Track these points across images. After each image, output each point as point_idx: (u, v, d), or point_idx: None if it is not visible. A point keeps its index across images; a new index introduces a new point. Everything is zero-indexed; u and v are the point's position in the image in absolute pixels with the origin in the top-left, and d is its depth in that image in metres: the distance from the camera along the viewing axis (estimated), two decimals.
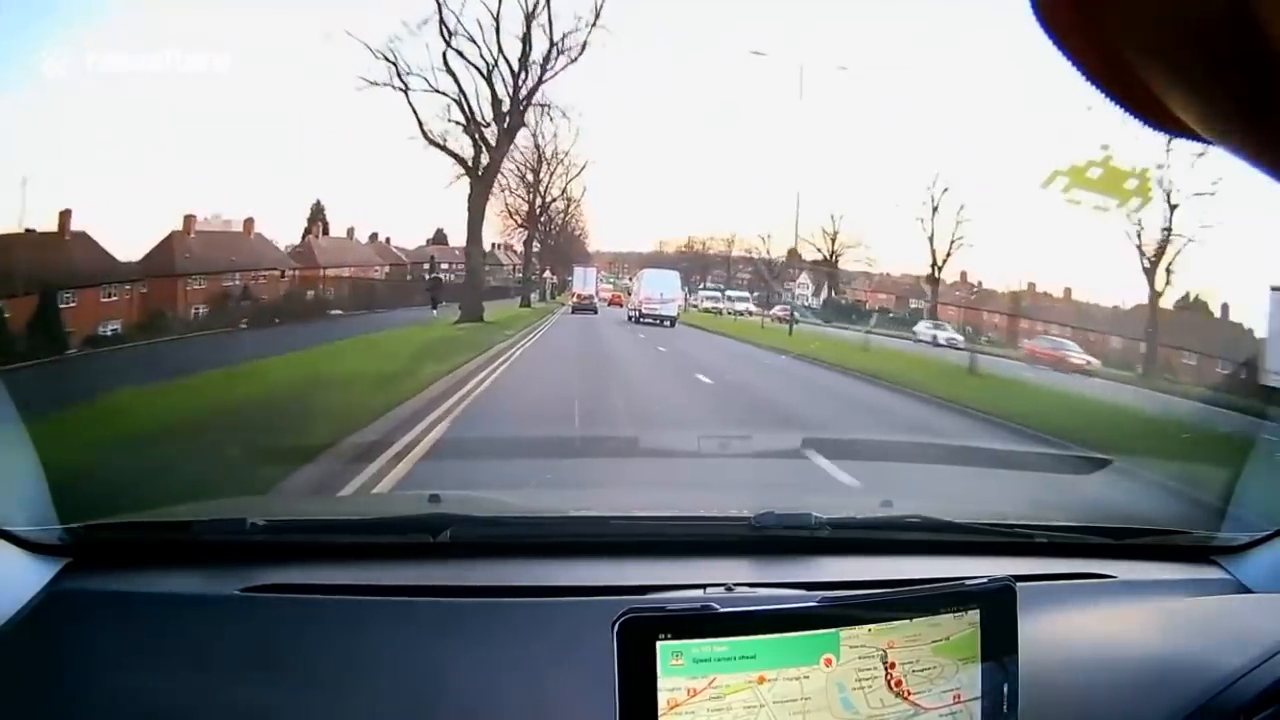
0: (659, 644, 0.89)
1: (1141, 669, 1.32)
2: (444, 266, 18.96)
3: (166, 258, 13.29)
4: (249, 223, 15.15)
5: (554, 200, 20.31)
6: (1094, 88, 0.38)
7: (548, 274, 21.62)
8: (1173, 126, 0.38)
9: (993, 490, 3.80)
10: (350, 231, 17.76)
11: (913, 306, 19.70)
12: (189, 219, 13.54)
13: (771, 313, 19.28)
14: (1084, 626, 1.45)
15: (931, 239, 17.29)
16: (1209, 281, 15.59)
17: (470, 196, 15.36)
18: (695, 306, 21.14)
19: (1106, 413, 9.49)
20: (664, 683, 0.89)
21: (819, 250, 19.43)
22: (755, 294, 21.60)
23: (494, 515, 1.71)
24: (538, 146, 18.60)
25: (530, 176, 19.25)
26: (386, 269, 18.75)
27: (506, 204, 19.20)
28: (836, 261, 19.86)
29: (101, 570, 1.40)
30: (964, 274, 18.75)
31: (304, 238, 16.50)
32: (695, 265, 22.03)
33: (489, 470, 3.99)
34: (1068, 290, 17.55)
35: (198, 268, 13.52)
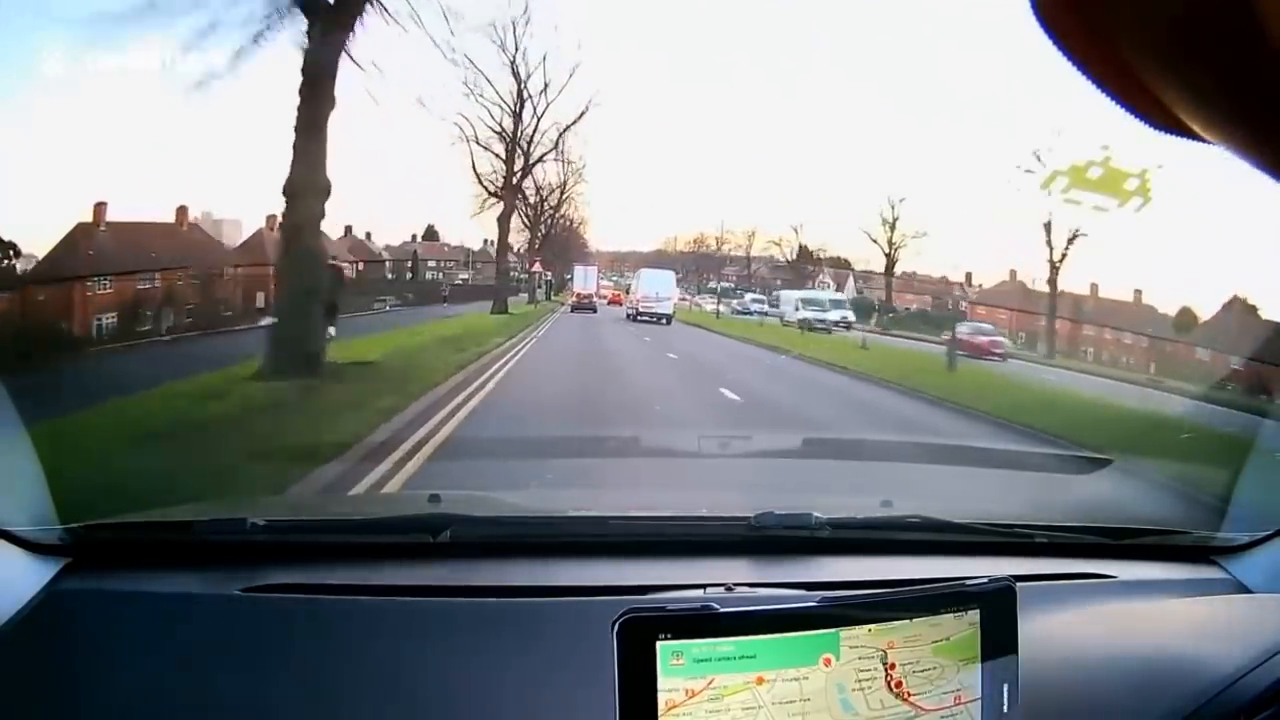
0: (659, 644, 0.89)
1: (1141, 669, 1.32)
2: (430, 264, 16.95)
3: (71, 257, 10.80)
4: (181, 211, 11.90)
5: (543, 158, 14.94)
6: (1094, 88, 0.38)
7: (537, 267, 17.71)
8: (1173, 126, 0.38)
9: (993, 490, 3.79)
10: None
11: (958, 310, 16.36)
12: (99, 208, 10.58)
13: (958, 333, 12.55)
14: (1084, 626, 1.45)
15: (1048, 228, 12.38)
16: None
17: (305, 68, 7.33)
18: (745, 312, 17.24)
19: None
20: (664, 683, 0.89)
21: (875, 241, 15.80)
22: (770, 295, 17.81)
23: (494, 515, 1.71)
24: (515, 73, 13.19)
25: (507, 121, 13.74)
26: (360, 266, 16.13)
27: (474, 164, 14.00)
28: (895, 257, 16.01)
29: (101, 570, 1.40)
30: (1013, 271, 15.10)
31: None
32: (710, 264, 19.23)
33: (489, 470, 3.98)
34: (1138, 294, 13.29)
35: (107, 268, 10.81)
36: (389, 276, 16.85)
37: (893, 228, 15.64)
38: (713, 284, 19.53)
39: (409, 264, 16.85)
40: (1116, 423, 7.98)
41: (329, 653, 1.27)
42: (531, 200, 17.20)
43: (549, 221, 18.47)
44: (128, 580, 1.38)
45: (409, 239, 17.02)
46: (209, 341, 11.30)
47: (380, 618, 1.34)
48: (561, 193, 17.72)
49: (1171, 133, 0.38)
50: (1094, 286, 13.83)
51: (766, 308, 17.45)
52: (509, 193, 14.81)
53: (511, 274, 18.18)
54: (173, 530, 1.57)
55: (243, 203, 14.05)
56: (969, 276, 16.40)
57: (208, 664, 1.23)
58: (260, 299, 13.43)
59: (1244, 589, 1.69)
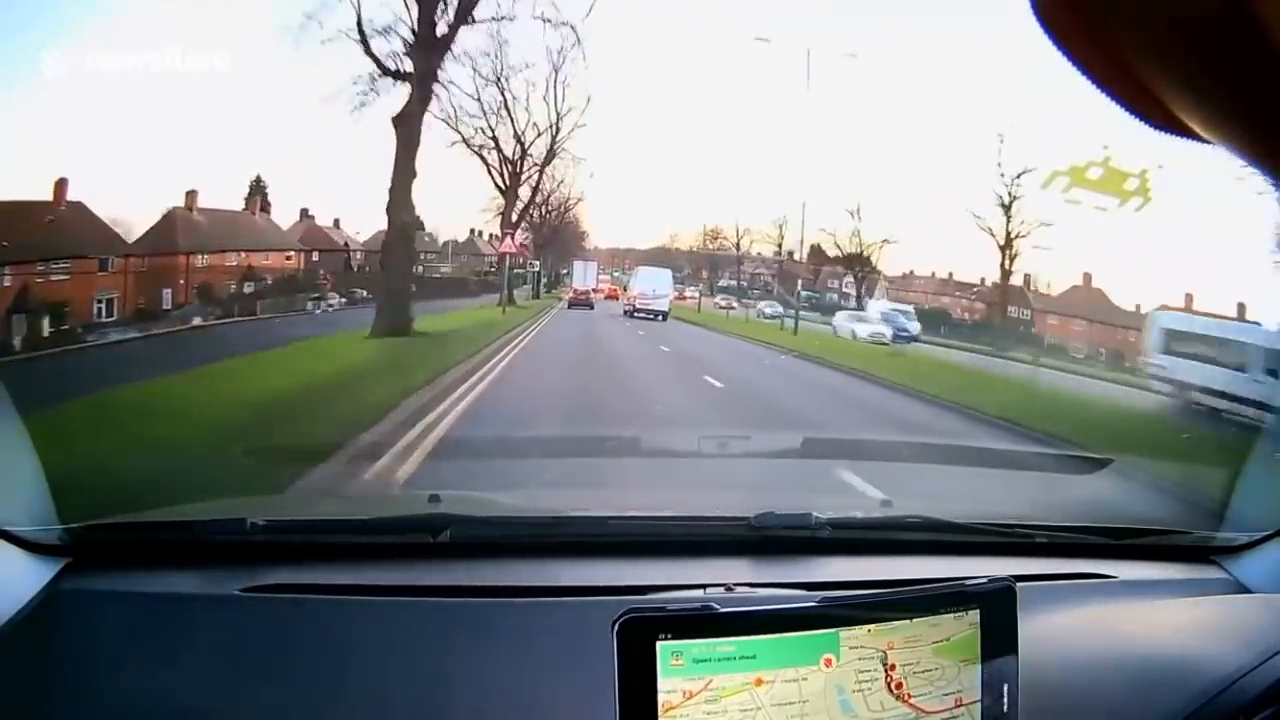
0: (659, 644, 0.89)
1: (1141, 669, 1.32)
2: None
3: None
4: (60, 185, 9.00)
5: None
6: (1095, 88, 0.38)
7: (509, 246, 13.51)
8: (1173, 126, 0.38)
9: (993, 490, 3.79)
10: (257, 205, 12.11)
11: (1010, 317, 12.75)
12: None
13: None
14: (1084, 626, 1.45)
15: None
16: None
17: None
18: (903, 334, 12.35)
19: None
20: (663, 683, 0.89)
21: (989, 232, 11.92)
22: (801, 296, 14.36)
23: (494, 515, 1.71)
24: None
25: None
26: (315, 256, 13.12)
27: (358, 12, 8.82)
28: (1013, 248, 11.70)
29: (101, 570, 1.40)
30: (1088, 276, 12.11)
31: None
32: (724, 260, 16.72)
33: (489, 470, 3.98)
34: (1241, 307, 10.07)
35: None
36: (359, 269, 14.15)
37: (1007, 211, 11.13)
38: (726, 281, 16.83)
39: (379, 255, 13.74)
40: None
41: (329, 653, 1.27)
42: (509, 153, 12.34)
43: (535, 186, 13.41)
44: (128, 580, 1.38)
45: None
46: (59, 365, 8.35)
47: (380, 618, 1.34)
48: (554, 138, 12.43)
49: (1171, 133, 0.38)
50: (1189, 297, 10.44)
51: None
52: (421, 55, 8.26)
53: (494, 268, 13.89)
54: (173, 530, 1.57)
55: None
56: (1028, 279, 12.84)
57: (208, 664, 1.23)
58: (167, 298, 10.63)
59: (1244, 589, 1.69)
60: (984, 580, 1.04)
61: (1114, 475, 4.28)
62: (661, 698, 0.89)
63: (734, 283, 17.05)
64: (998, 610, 1.03)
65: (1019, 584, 1.04)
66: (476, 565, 1.51)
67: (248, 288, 11.96)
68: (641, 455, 4.02)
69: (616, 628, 0.88)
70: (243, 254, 12.03)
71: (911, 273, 14.51)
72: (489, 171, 12.21)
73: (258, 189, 12.28)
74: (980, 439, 6.90)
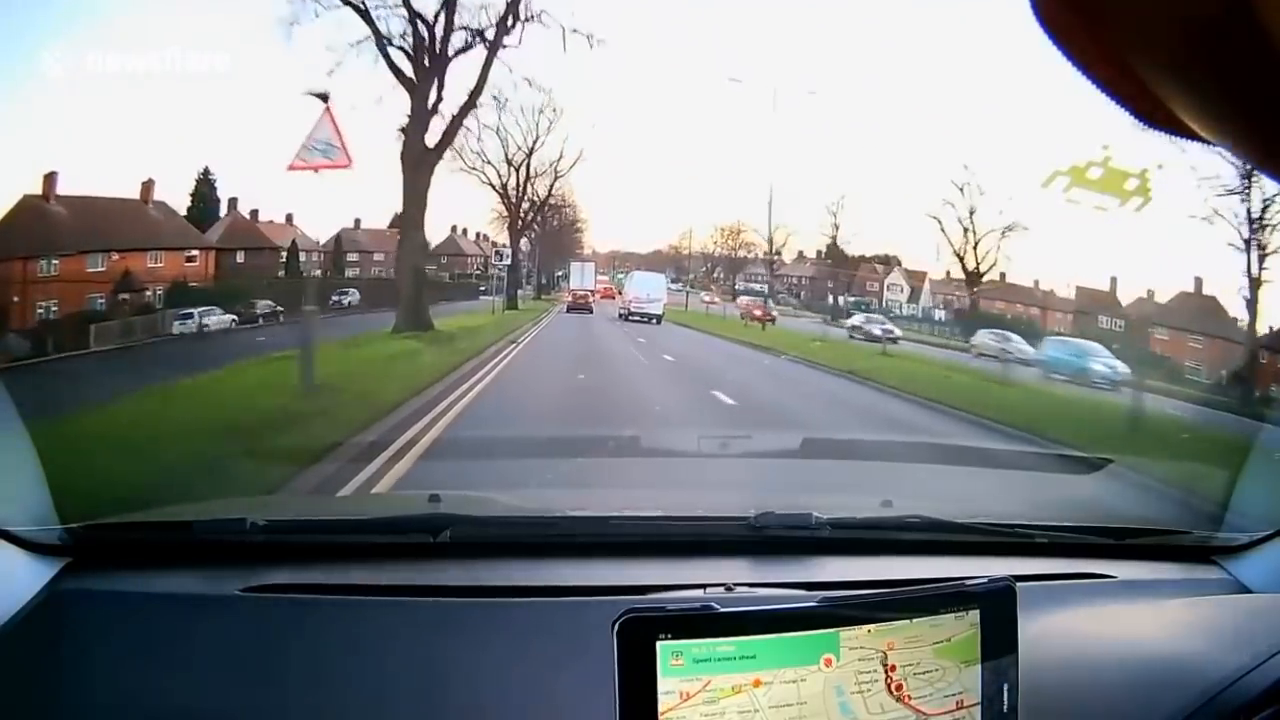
0: (659, 644, 0.89)
1: (1141, 669, 1.32)
2: (378, 259, 12.76)
3: None
4: None
5: None
6: (1095, 88, 0.38)
7: (501, 241, 9.88)
8: (1173, 126, 0.38)
9: (992, 490, 3.79)
10: (146, 188, 9.59)
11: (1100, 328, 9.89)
12: None
13: None
14: (1084, 626, 1.45)
15: None
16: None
17: None
18: None
19: None
20: (663, 684, 0.89)
21: (1219, 216, 9.10)
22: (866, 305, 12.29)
23: (494, 515, 1.71)
24: None
25: None
26: (240, 257, 10.91)
27: None
28: (1266, 243, 8.27)
29: (101, 570, 1.40)
30: (1199, 280, 9.84)
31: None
32: (745, 262, 15.56)
33: (488, 470, 3.99)
34: None
35: None
36: (316, 272, 11.88)
37: (1248, 186, 7.43)
38: (745, 285, 15.49)
39: (340, 256, 12.21)
40: None
41: (329, 653, 1.27)
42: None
43: (484, 65, 8.41)
44: (128, 580, 1.38)
45: (384, 229, 12.51)
46: None
47: (380, 618, 1.34)
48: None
49: (1171, 133, 0.38)
50: None
51: None
52: None
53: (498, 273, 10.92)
54: (173, 530, 1.58)
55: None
56: (1114, 282, 10.39)
57: (208, 664, 1.23)
58: None
59: (1244, 589, 1.69)
60: (984, 580, 1.04)
61: (1114, 475, 4.28)
62: (661, 698, 0.89)
63: (757, 285, 15.60)
64: (998, 610, 1.03)
65: (1019, 584, 1.04)
66: (476, 565, 1.51)
67: (118, 301, 8.78)
68: (641, 455, 4.02)
69: (616, 628, 0.88)
70: (115, 255, 8.90)
71: (948, 274, 12.25)
72: (379, 44, 6.75)
73: (206, 187, 10.29)
74: None
